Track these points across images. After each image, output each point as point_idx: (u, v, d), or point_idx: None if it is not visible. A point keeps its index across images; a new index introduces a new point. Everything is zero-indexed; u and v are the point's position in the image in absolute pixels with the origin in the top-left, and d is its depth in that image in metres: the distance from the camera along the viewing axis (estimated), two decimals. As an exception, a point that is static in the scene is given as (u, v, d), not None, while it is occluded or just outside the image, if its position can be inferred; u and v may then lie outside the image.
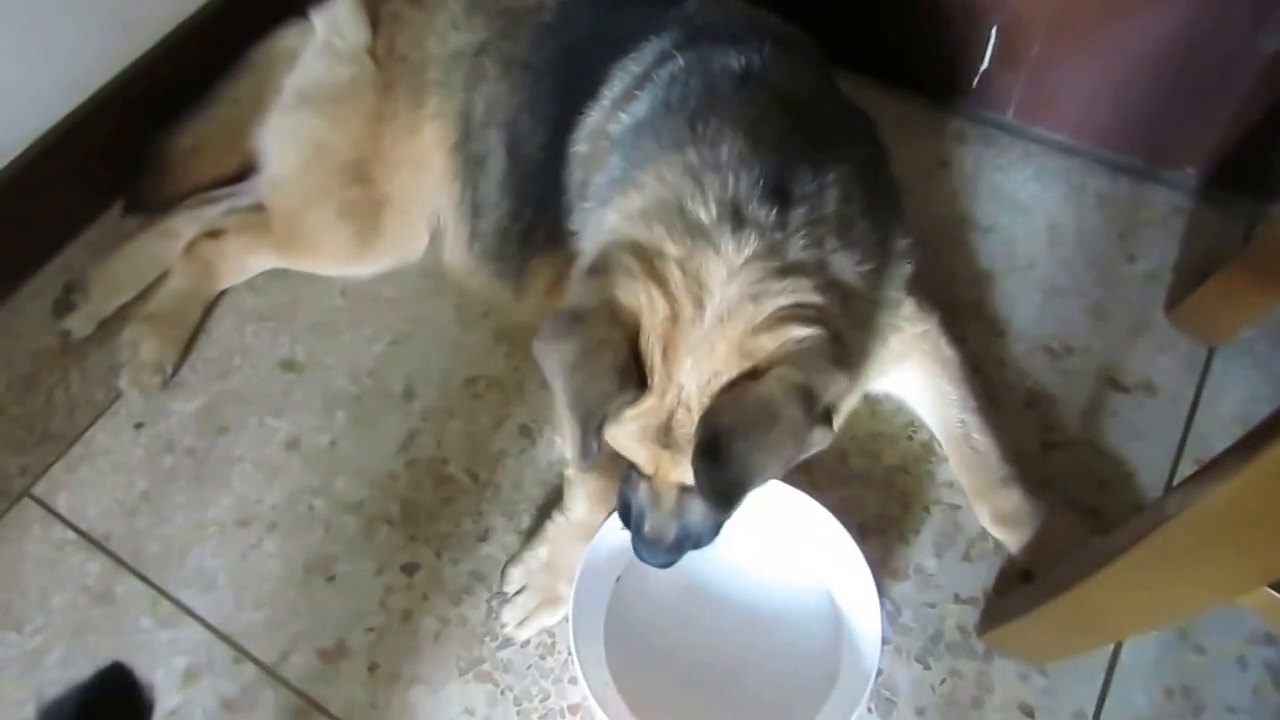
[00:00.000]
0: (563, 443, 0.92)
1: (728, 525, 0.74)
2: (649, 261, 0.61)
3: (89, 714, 0.52)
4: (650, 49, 0.83)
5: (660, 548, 0.72)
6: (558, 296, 0.91)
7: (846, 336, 0.63)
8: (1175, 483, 0.91)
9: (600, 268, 0.64)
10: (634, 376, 0.61)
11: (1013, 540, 0.86)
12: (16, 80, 0.98)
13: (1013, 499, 0.86)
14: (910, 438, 0.95)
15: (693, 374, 0.61)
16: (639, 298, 0.61)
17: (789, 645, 0.82)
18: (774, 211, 0.63)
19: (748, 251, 0.61)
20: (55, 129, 1.03)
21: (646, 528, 0.71)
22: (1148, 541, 0.62)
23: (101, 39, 1.05)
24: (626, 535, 0.75)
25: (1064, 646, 0.79)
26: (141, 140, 1.06)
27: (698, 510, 0.71)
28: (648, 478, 0.70)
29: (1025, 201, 1.13)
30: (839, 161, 0.68)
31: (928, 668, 0.82)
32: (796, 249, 0.62)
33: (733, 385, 0.60)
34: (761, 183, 0.63)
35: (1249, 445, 0.56)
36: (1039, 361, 1.00)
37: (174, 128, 1.06)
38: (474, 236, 0.99)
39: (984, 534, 0.88)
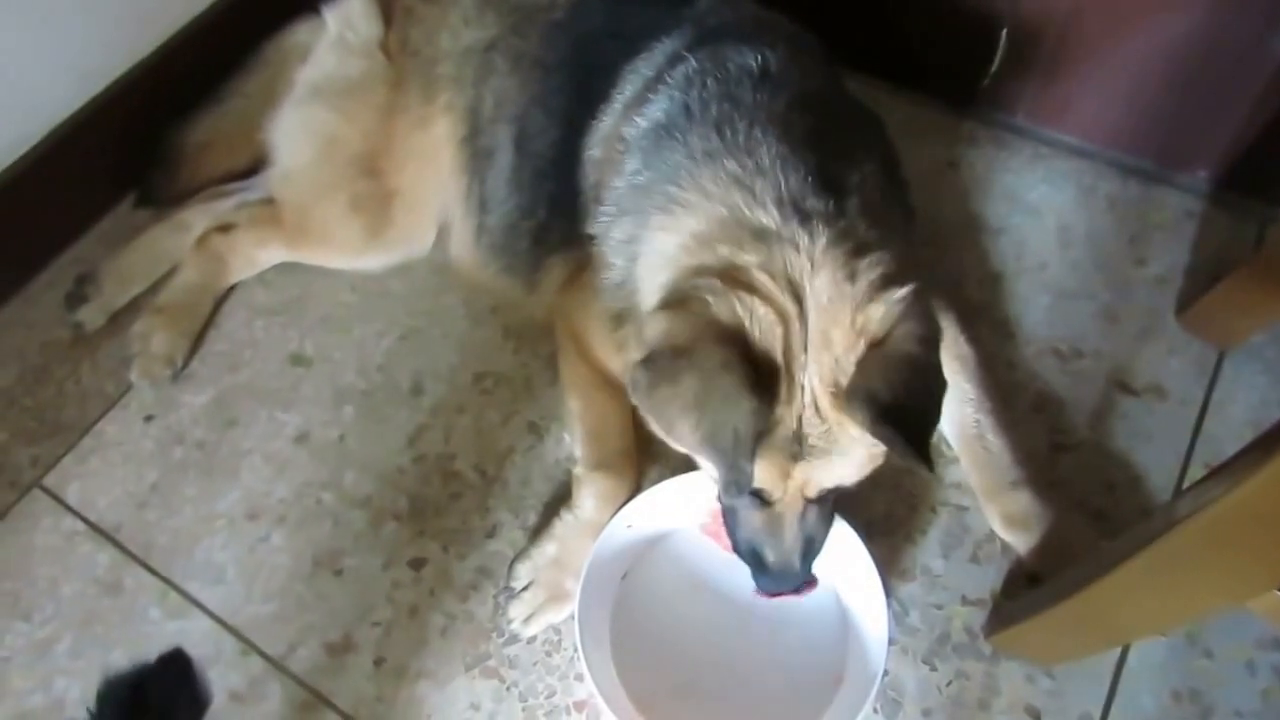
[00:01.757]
0: (571, 440, 0.92)
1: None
2: (730, 276, 0.62)
3: (147, 693, 0.52)
4: (661, 50, 0.83)
5: (790, 574, 0.71)
6: (570, 293, 0.91)
7: (926, 288, 0.65)
8: (1184, 487, 0.91)
9: (677, 300, 0.62)
10: (764, 388, 0.59)
11: (1021, 542, 0.86)
12: (30, 73, 0.99)
13: (1022, 501, 0.86)
14: (918, 438, 0.95)
15: (812, 369, 0.61)
16: (737, 310, 0.60)
17: (795, 645, 0.82)
18: (830, 202, 0.65)
19: (822, 240, 0.63)
20: (68, 122, 1.04)
21: (771, 559, 0.70)
22: (1158, 544, 0.62)
23: (115, 33, 1.05)
24: (631, 533, 0.75)
25: (1071, 649, 0.79)
26: (154, 134, 1.06)
27: (818, 518, 0.70)
28: (765, 507, 0.68)
29: (1035, 204, 1.12)
30: (869, 154, 0.71)
31: (934, 669, 0.82)
32: (863, 230, 0.65)
33: (865, 359, 0.61)
34: (810, 180, 0.65)
35: (1261, 448, 0.56)
36: (1048, 364, 1.00)
37: (186, 122, 1.07)
38: (481, 231, 0.99)
39: (991, 535, 0.88)
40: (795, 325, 0.61)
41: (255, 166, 1.08)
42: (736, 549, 0.74)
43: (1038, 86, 1.13)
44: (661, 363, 0.60)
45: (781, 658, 0.81)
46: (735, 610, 0.83)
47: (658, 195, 0.70)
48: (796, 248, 0.62)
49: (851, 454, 0.65)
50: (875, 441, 0.63)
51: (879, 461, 0.68)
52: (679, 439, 0.63)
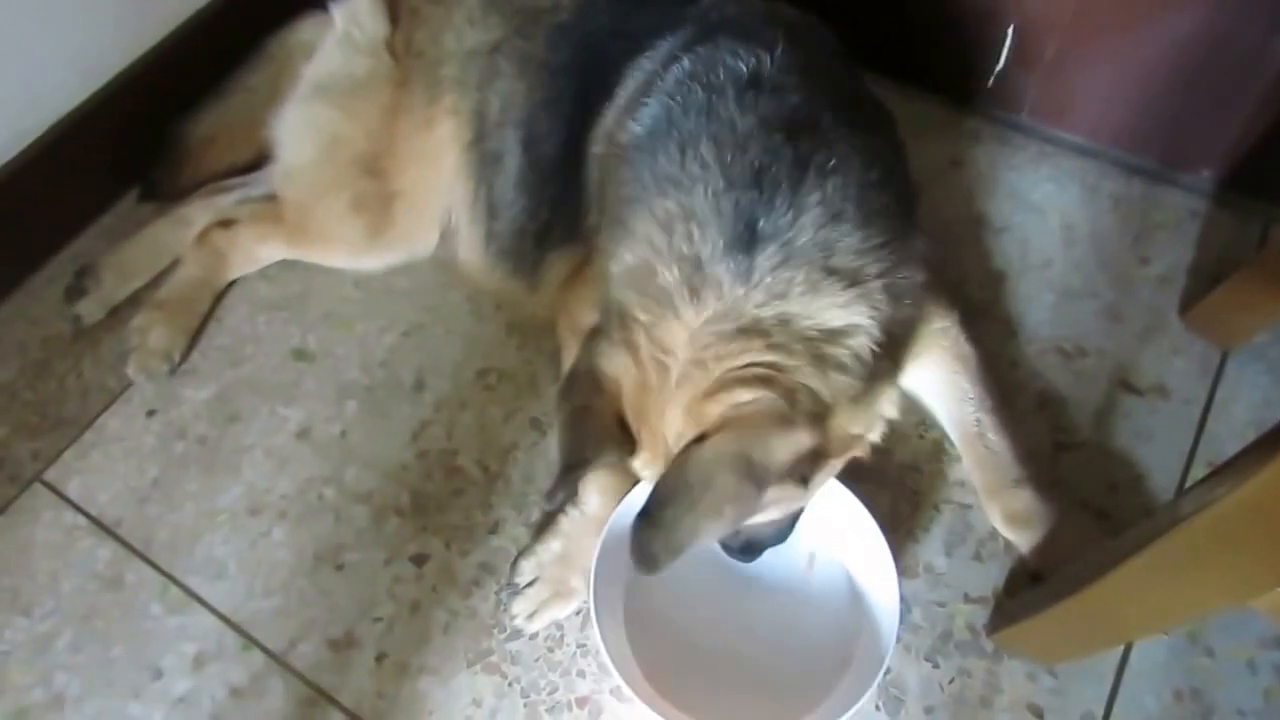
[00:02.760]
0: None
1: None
2: (627, 328, 0.65)
3: None
4: (664, 47, 0.82)
5: (734, 552, 0.78)
6: (572, 289, 0.91)
7: (808, 388, 0.62)
8: (1187, 486, 0.91)
9: (595, 331, 0.68)
10: (616, 439, 0.65)
11: (1024, 541, 0.86)
12: (33, 66, 0.99)
13: (1025, 500, 0.85)
14: (922, 436, 0.95)
15: (668, 432, 0.64)
16: (617, 365, 0.65)
17: (807, 625, 0.82)
18: (738, 261, 0.63)
19: (705, 314, 0.62)
20: (71, 115, 1.03)
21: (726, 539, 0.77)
22: (1161, 542, 0.62)
23: (118, 26, 1.05)
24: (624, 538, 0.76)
25: (1074, 647, 0.79)
26: (158, 128, 1.06)
27: (758, 526, 0.73)
28: None
29: (1039, 202, 1.12)
30: (835, 172, 0.66)
31: (936, 666, 0.82)
32: (754, 305, 0.62)
33: (682, 450, 0.61)
34: (729, 230, 0.64)
35: (1264, 447, 0.56)
36: (1051, 363, 1.00)
37: (190, 116, 1.06)
38: (490, 237, 0.99)
39: (994, 534, 0.88)
40: (654, 394, 0.64)
41: (258, 162, 1.08)
42: None
43: (1043, 85, 1.13)
44: (563, 386, 0.69)
45: (791, 637, 0.81)
46: (748, 588, 0.84)
47: (626, 212, 0.71)
48: (680, 318, 0.62)
49: None
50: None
51: (780, 506, 0.70)
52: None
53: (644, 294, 0.64)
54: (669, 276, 0.63)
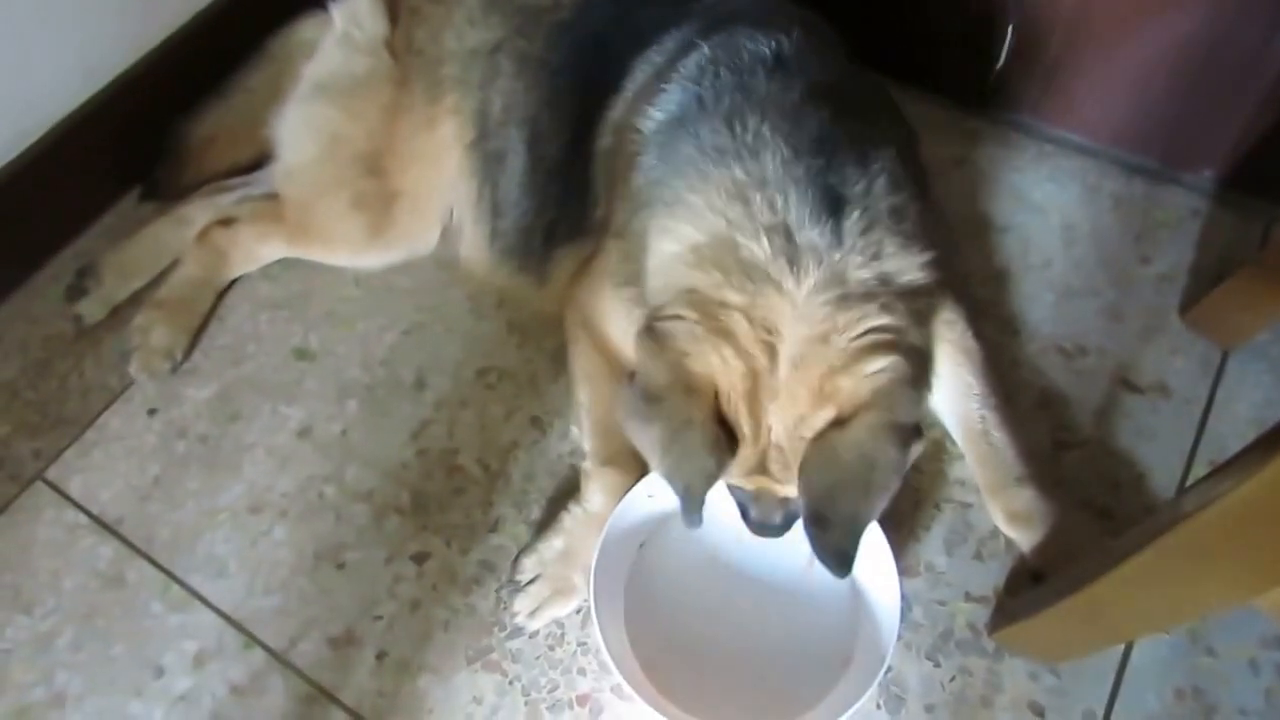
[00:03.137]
0: (579, 433, 0.92)
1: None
2: (713, 317, 0.61)
3: None
4: (671, 40, 0.82)
5: (771, 528, 0.75)
6: (581, 283, 0.91)
7: (920, 345, 0.63)
8: (1188, 485, 0.91)
9: (661, 333, 0.63)
10: (724, 445, 0.61)
11: (1025, 539, 0.86)
12: (35, 68, 0.99)
13: (1026, 498, 0.85)
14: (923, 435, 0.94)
15: (778, 418, 0.61)
16: (711, 361, 0.60)
17: (806, 623, 0.82)
18: (827, 227, 0.62)
19: (809, 283, 0.61)
20: (72, 116, 1.03)
21: (754, 514, 0.74)
22: (1163, 540, 0.61)
23: (120, 25, 1.05)
24: (652, 503, 0.75)
25: (1075, 646, 0.79)
26: (159, 128, 1.06)
27: (791, 501, 0.72)
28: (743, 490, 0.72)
29: (1040, 202, 1.12)
30: (883, 145, 0.67)
31: (937, 665, 0.82)
32: (856, 267, 0.62)
33: (822, 436, 0.59)
34: (810, 194, 0.63)
35: (1266, 445, 0.55)
36: (1053, 362, 0.99)
37: (191, 116, 1.06)
38: (495, 235, 0.99)
39: (995, 532, 0.88)
40: (765, 378, 0.61)
41: (260, 161, 1.08)
42: (731, 493, 0.76)
43: (1043, 84, 1.13)
44: (637, 399, 0.63)
45: (792, 635, 0.81)
46: (748, 586, 0.84)
47: (668, 191, 0.69)
48: (781, 291, 0.60)
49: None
50: None
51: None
52: (652, 465, 0.67)
53: (729, 272, 0.61)
54: (758, 249, 0.60)
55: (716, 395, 0.61)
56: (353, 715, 0.80)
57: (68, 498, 0.92)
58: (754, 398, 0.61)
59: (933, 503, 0.90)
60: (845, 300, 0.60)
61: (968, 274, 1.06)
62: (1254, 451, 0.57)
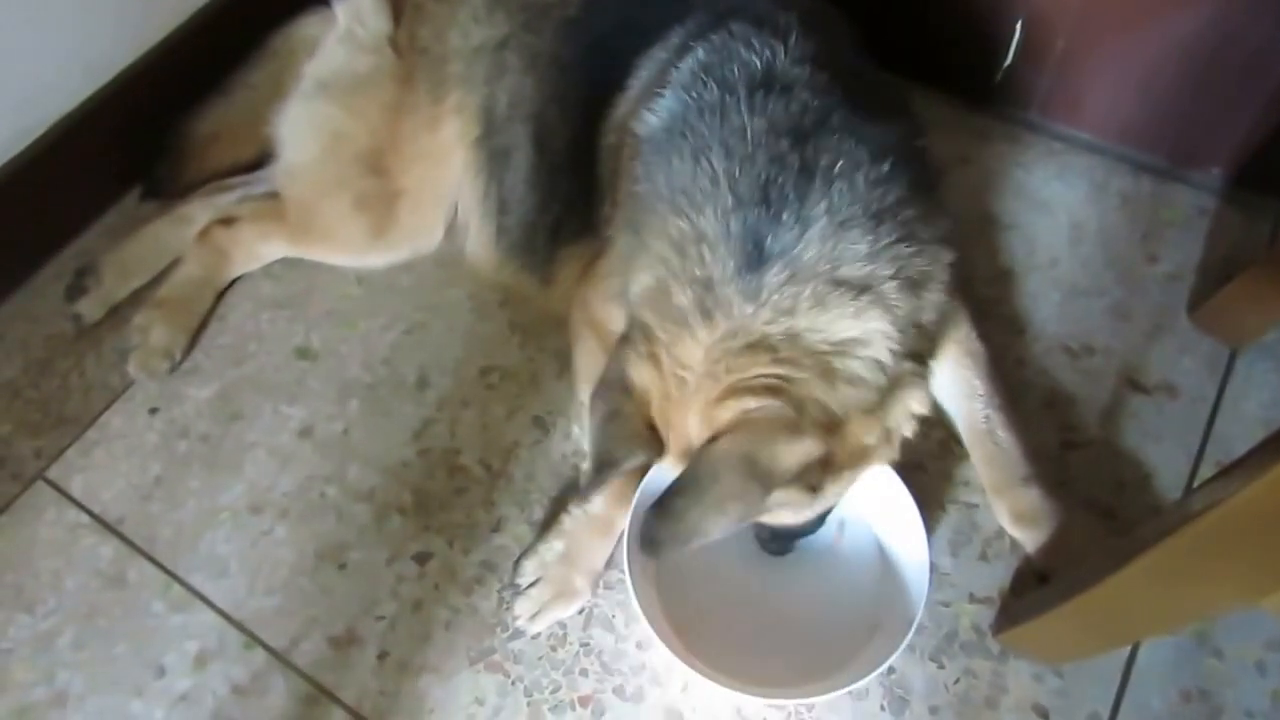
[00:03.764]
0: (582, 434, 0.91)
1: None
2: (650, 343, 0.68)
3: None
4: (676, 36, 0.82)
5: (764, 544, 0.82)
6: (587, 282, 0.90)
7: (817, 400, 0.63)
8: (1195, 485, 0.90)
9: (624, 339, 0.71)
10: (645, 441, 0.69)
11: (1030, 540, 0.85)
12: (35, 65, 0.98)
13: (1032, 498, 0.85)
14: (926, 435, 0.93)
15: (692, 437, 0.67)
16: (645, 377, 0.68)
17: (834, 590, 0.83)
18: (747, 281, 0.65)
19: (718, 333, 0.65)
20: (74, 113, 1.03)
21: (755, 531, 0.81)
22: (1169, 541, 0.61)
23: (121, 23, 1.05)
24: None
25: (1080, 648, 0.78)
26: (160, 125, 1.05)
27: (780, 528, 0.77)
28: None
29: (1047, 200, 1.12)
30: (837, 178, 0.66)
31: (942, 666, 0.82)
32: (762, 323, 0.64)
33: (698, 449, 0.65)
34: (738, 251, 0.65)
35: (1275, 446, 0.55)
36: (1058, 361, 0.99)
37: (193, 114, 1.06)
38: (500, 232, 0.98)
39: (1000, 533, 0.88)
40: (676, 405, 0.67)
41: (261, 160, 1.07)
42: None
43: (1051, 82, 1.12)
44: (598, 384, 0.72)
45: (820, 599, 0.82)
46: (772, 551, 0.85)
47: (642, 228, 0.73)
48: (694, 338, 0.66)
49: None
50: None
51: (791, 510, 0.72)
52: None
53: (662, 315, 0.67)
54: (683, 299, 0.66)
55: (649, 404, 0.69)
56: (354, 715, 0.80)
57: (69, 497, 0.92)
58: (666, 419, 0.69)
59: (938, 504, 0.90)
60: (744, 350, 0.64)
61: (973, 272, 1.05)
62: (1262, 452, 0.56)
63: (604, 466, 0.69)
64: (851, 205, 0.66)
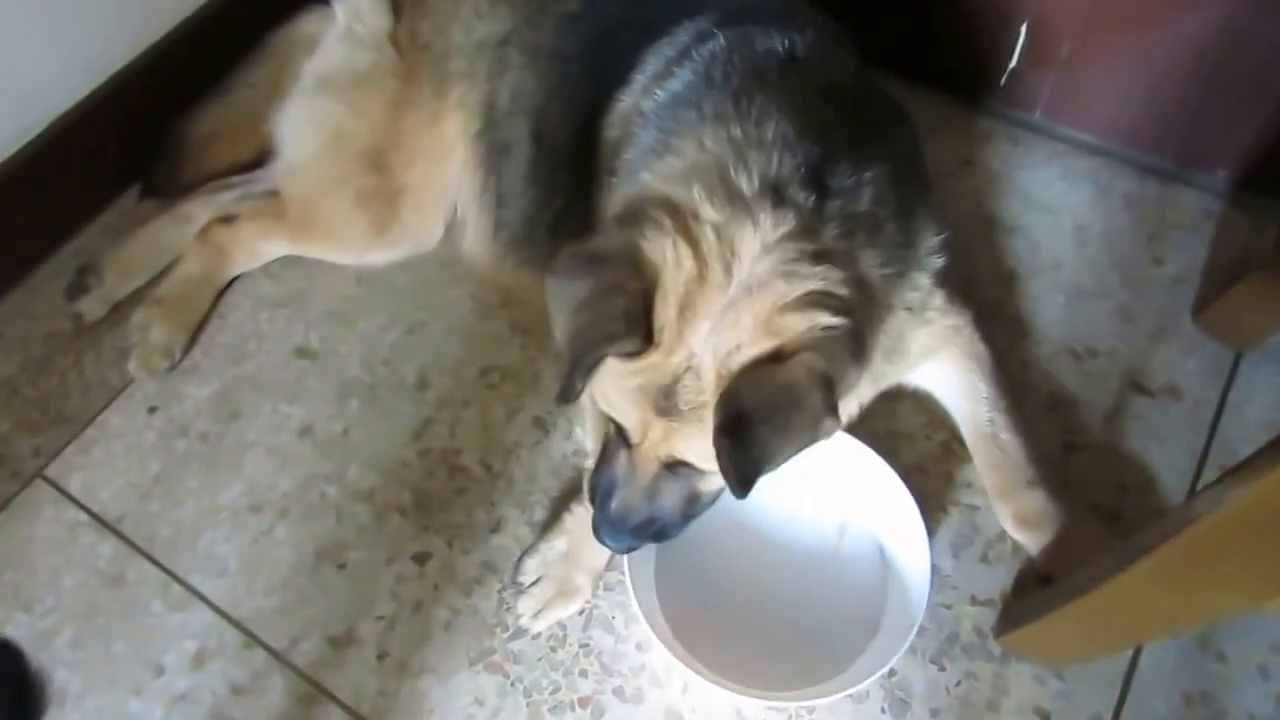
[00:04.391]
0: (583, 434, 0.91)
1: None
2: (683, 220, 0.61)
3: None
4: (684, 31, 0.82)
5: (624, 528, 0.70)
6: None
7: (864, 333, 0.64)
8: (1199, 489, 0.90)
9: (630, 218, 0.62)
10: (641, 327, 0.59)
11: (1033, 543, 0.85)
12: (35, 63, 0.98)
13: (1035, 502, 0.85)
14: (929, 437, 0.93)
15: (710, 341, 0.59)
16: (666, 252, 0.60)
17: (835, 591, 0.83)
18: (813, 198, 0.63)
19: (784, 229, 0.60)
20: (73, 111, 1.03)
21: (614, 503, 0.69)
22: (1173, 544, 0.61)
23: (121, 21, 1.04)
24: None
25: (1083, 650, 0.78)
26: (159, 124, 1.05)
27: (672, 495, 0.70)
28: (628, 448, 0.68)
29: (1051, 202, 1.11)
30: (876, 160, 0.68)
31: (943, 669, 0.81)
32: (831, 237, 0.63)
33: (756, 365, 0.59)
34: (803, 168, 0.63)
35: (1279, 449, 0.55)
36: (1062, 363, 0.98)
37: (192, 112, 1.06)
38: (499, 227, 0.98)
39: (1002, 535, 0.87)
40: (712, 291, 0.59)
41: (261, 158, 1.07)
42: (593, 486, 0.73)
43: (1056, 83, 1.12)
44: (576, 260, 0.61)
45: (821, 601, 0.82)
46: (778, 553, 0.84)
47: (658, 148, 0.69)
48: (757, 225, 0.60)
49: (711, 436, 0.61)
50: None
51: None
52: (553, 326, 0.63)
53: (712, 191, 0.61)
54: (746, 184, 0.61)
55: (655, 287, 0.60)
56: (353, 715, 0.80)
57: (68, 495, 0.91)
58: (690, 307, 0.59)
59: (939, 505, 0.90)
60: (816, 256, 0.60)
61: (976, 274, 1.05)
62: (1266, 455, 0.56)
63: (588, 350, 0.58)
64: (888, 189, 0.68)
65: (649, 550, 0.80)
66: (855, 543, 0.85)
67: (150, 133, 1.05)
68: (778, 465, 0.59)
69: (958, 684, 0.80)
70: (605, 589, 0.85)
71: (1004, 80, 1.14)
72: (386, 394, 0.98)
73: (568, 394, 0.60)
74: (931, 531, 0.88)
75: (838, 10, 0.88)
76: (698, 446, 0.63)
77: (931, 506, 0.89)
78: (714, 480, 0.70)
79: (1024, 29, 1.09)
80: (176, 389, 0.98)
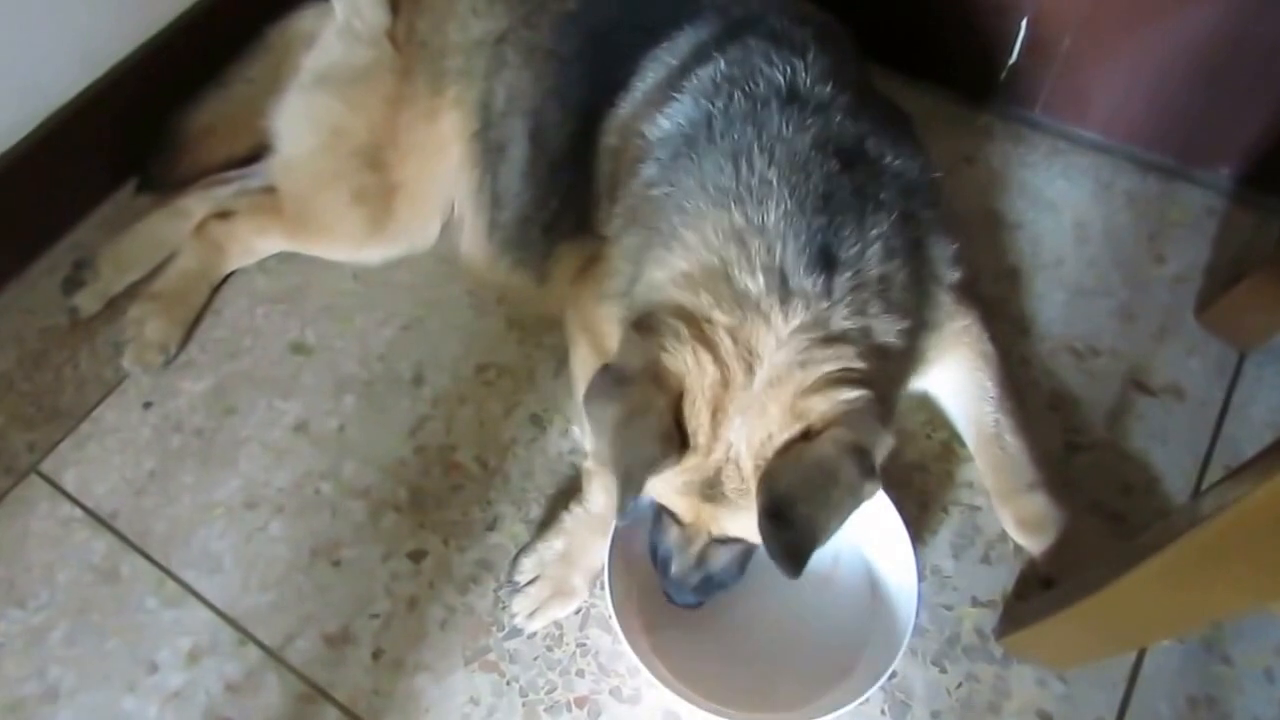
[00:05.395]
0: (581, 434, 0.90)
1: (750, 568, 0.76)
2: (698, 326, 0.64)
3: None
4: (685, 39, 0.82)
5: (686, 589, 0.74)
6: (583, 285, 0.89)
7: (888, 394, 0.66)
8: (1203, 489, 0.89)
9: (647, 327, 0.65)
10: (675, 441, 0.63)
11: (1035, 545, 0.84)
12: (31, 54, 0.98)
13: (1037, 504, 0.84)
14: (929, 436, 0.93)
15: (743, 433, 0.63)
16: (686, 361, 0.63)
17: (822, 609, 0.82)
18: (820, 280, 0.65)
19: (795, 322, 0.64)
20: (70, 105, 1.02)
21: (674, 570, 0.74)
22: (1178, 545, 0.60)
23: (118, 14, 1.04)
24: None
25: (1086, 652, 0.77)
26: (156, 118, 1.05)
27: (723, 558, 0.73)
28: (678, 524, 0.72)
29: (1053, 199, 1.10)
30: (883, 209, 0.69)
31: (944, 671, 0.80)
32: (840, 318, 0.65)
33: (788, 447, 0.62)
34: (807, 251, 0.65)
35: (1288, 448, 0.54)
36: (1064, 362, 0.98)
37: (189, 107, 1.05)
38: (494, 227, 0.98)
39: (1003, 536, 0.86)
40: (737, 390, 0.63)
41: (259, 153, 1.06)
42: (651, 551, 0.76)
43: (1057, 79, 1.11)
44: (606, 380, 0.65)
45: (807, 620, 0.81)
46: (763, 570, 0.81)
47: (665, 223, 0.70)
48: (768, 323, 0.63)
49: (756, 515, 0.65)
50: None
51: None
52: (597, 448, 0.67)
53: (720, 297, 0.64)
54: (752, 284, 0.64)
55: (682, 396, 0.63)
56: (348, 714, 0.79)
57: (62, 491, 0.91)
58: (720, 407, 0.63)
59: (940, 506, 0.89)
60: (827, 341, 0.63)
61: (978, 272, 1.04)
62: (1270, 455, 0.56)
63: (639, 469, 0.61)
64: (896, 237, 0.69)
65: (632, 582, 0.80)
66: (846, 567, 0.83)
67: (147, 127, 1.05)
68: (825, 539, 0.61)
69: (959, 686, 0.79)
70: (602, 589, 0.84)
71: (1004, 76, 1.14)
72: (383, 390, 0.97)
73: (623, 513, 0.63)
74: (932, 531, 0.87)
75: (838, 6, 0.88)
76: (744, 524, 0.67)
77: (932, 506, 0.89)
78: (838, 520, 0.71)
79: (1024, 24, 1.08)
80: (172, 384, 0.98)
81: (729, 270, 0.64)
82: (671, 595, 0.75)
